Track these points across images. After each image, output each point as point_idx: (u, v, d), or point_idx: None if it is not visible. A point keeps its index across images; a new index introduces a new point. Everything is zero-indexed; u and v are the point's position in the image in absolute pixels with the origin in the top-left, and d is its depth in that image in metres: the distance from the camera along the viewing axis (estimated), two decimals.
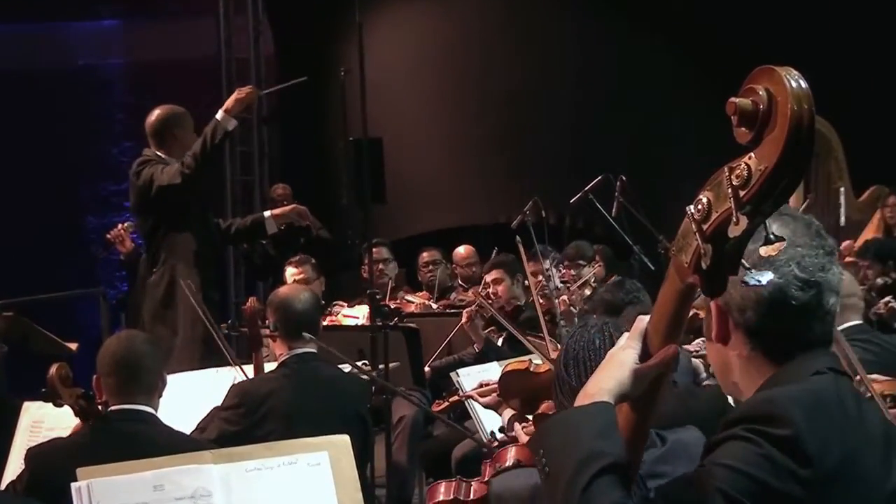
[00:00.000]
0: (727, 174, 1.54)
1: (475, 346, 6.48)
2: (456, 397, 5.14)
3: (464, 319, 6.48)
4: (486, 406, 4.54)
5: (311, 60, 10.92)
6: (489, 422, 4.82)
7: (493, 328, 6.81)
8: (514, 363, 4.19)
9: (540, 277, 7.43)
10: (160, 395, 3.75)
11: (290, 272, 7.28)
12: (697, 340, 5.12)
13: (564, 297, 6.83)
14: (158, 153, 6.11)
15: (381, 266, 7.66)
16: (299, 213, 6.73)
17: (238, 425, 4.26)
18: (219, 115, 6.06)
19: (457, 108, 10.88)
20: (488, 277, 7.11)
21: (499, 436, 4.17)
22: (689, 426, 2.77)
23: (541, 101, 10.56)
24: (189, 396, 4.63)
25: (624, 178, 7.53)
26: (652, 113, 10.00)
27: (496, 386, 4.53)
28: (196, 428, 4.36)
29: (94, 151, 11.59)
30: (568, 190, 7.81)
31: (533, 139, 10.58)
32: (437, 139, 10.94)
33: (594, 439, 1.70)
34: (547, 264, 7.07)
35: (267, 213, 6.58)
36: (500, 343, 6.65)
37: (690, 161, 8.56)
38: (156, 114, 6.17)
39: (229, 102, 6.11)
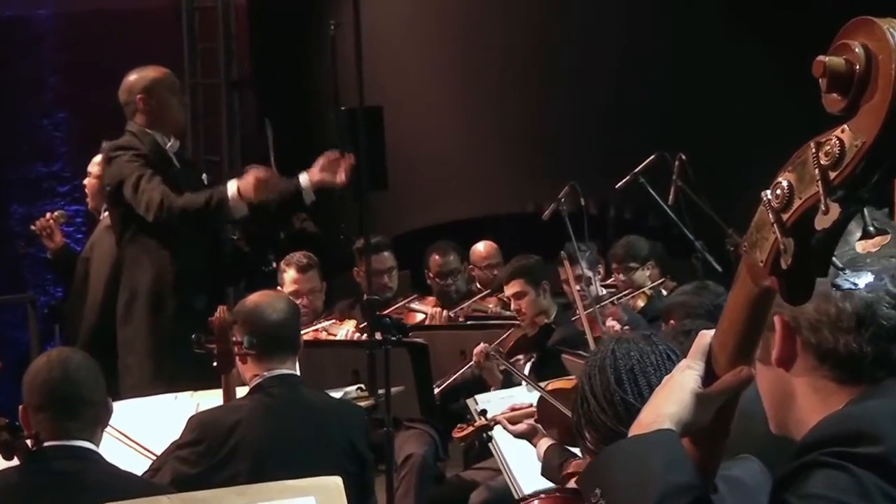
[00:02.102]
0: (814, 151, 1.54)
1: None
2: (483, 421, 5.17)
3: (474, 361, 6.49)
4: (518, 435, 4.55)
5: (293, 11, 10.94)
6: (517, 461, 4.83)
7: (519, 356, 6.81)
8: (560, 382, 4.22)
9: (577, 286, 7.45)
10: (104, 427, 3.76)
11: (291, 277, 7.15)
12: None
13: (616, 311, 6.85)
14: (142, 127, 6.03)
15: (385, 279, 7.41)
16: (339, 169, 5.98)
17: (197, 466, 4.27)
18: (230, 189, 5.82)
19: (474, 70, 10.86)
20: (508, 291, 7.06)
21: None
22: (746, 456, 2.75)
23: (578, 61, 10.52)
24: (141, 428, 4.66)
25: (683, 156, 7.50)
26: (718, 76, 9.96)
27: (530, 410, 4.54)
28: (148, 469, 4.38)
29: (20, 123, 11.59)
30: (612, 172, 7.81)
31: (569, 109, 10.56)
32: (450, 109, 10.93)
33: (668, 472, 1.71)
34: (583, 267, 7.07)
35: (303, 178, 5.98)
36: (527, 370, 6.66)
37: (766, 135, 8.56)
38: (124, 81, 6.15)
39: (246, 186, 5.80)
